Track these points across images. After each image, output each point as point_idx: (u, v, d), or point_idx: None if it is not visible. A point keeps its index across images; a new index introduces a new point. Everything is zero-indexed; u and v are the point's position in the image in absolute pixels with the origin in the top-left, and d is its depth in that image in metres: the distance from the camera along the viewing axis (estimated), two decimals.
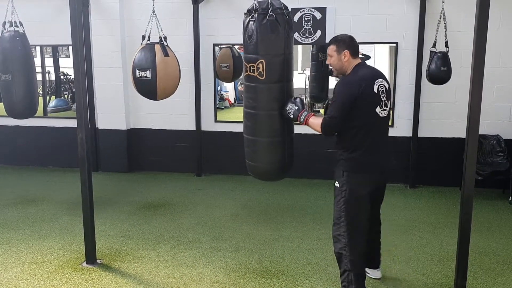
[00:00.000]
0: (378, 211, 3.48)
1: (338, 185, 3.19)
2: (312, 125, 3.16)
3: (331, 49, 3.21)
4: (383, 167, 3.26)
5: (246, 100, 3.33)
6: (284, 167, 3.38)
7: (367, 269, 3.57)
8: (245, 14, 3.21)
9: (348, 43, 3.18)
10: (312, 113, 3.19)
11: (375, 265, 3.64)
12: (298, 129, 3.52)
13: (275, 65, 3.18)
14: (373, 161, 3.16)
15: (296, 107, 3.17)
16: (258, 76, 3.16)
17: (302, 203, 5.65)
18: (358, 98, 3.03)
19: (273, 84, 3.20)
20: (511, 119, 6.02)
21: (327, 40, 6.20)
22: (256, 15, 3.10)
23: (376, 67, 6.98)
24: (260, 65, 3.14)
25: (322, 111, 8.18)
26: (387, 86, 3.17)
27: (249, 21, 3.15)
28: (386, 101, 3.14)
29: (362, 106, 3.05)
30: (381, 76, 3.19)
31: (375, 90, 3.07)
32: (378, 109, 3.09)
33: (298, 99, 3.23)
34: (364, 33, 6.20)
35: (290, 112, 3.18)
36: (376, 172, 3.22)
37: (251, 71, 3.18)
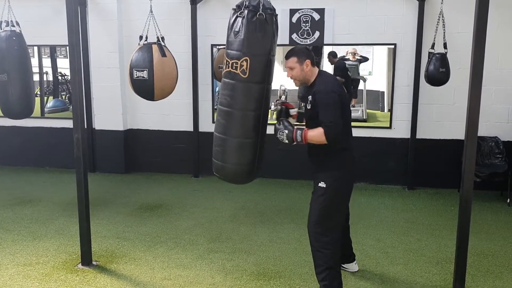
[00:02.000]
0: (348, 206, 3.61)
1: (325, 185, 3.21)
2: (313, 138, 3.11)
3: (292, 62, 3.25)
4: (355, 158, 3.41)
5: (223, 97, 3.28)
6: (252, 170, 3.32)
7: (344, 265, 3.77)
8: (233, 9, 3.19)
9: (307, 53, 3.29)
10: (305, 128, 3.16)
11: (352, 259, 3.81)
12: None
13: (259, 65, 3.14)
14: (354, 158, 3.35)
15: (286, 131, 3.17)
16: (240, 73, 3.12)
17: (300, 205, 5.62)
18: (342, 96, 3.19)
19: (254, 84, 3.17)
20: (509, 121, 6.01)
21: (326, 41, 6.24)
22: (246, 11, 3.08)
23: (374, 68, 7.05)
24: (244, 63, 3.10)
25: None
26: None
27: (237, 16, 3.12)
28: None
29: (345, 107, 3.21)
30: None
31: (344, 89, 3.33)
32: (351, 109, 3.32)
33: (282, 123, 3.23)
34: (362, 35, 6.20)
35: (283, 139, 3.18)
36: (355, 163, 3.37)
37: (234, 67, 3.14)
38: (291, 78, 3.33)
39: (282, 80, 5.63)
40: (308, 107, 3.24)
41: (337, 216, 3.29)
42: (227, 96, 3.24)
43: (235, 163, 3.31)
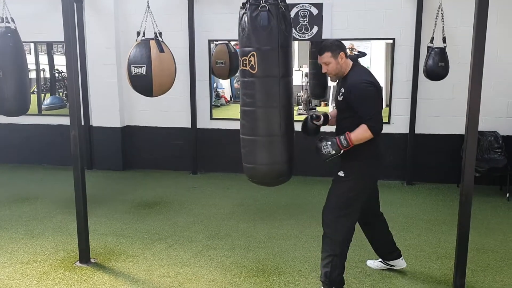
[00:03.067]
0: (378, 198, 3.58)
1: (343, 174, 3.20)
2: (358, 136, 3.04)
3: (327, 57, 3.19)
4: (382, 153, 3.37)
5: (242, 97, 3.24)
6: (284, 169, 3.25)
7: (390, 262, 3.72)
8: (240, 7, 3.16)
9: (339, 45, 3.22)
10: (346, 132, 3.08)
11: (396, 255, 3.71)
12: None
13: (268, 59, 3.08)
14: (380, 152, 3.29)
15: (329, 142, 3.11)
16: (250, 69, 3.08)
17: (299, 201, 5.60)
18: (379, 88, 3.16)
19: (268, 78, 3.10)
20: (508, 115, 5.99)
21: (324, 36, 6.20)
22: (248, 6, 3.05)
23: (373, 63, 7.01)
24: (252, 58, 3.07)
25: (319, 108, 8.16)
26: None
27: (243, 13, 3.10)
28: None
29: (381, 96, 3.19)
30: None
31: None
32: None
33: (321, 139, 3.17)
34: (361, 29, 6.17)
35: (330, 151, 3.10)
36: (380, 157, 3.32)
37: (244, 65, 3.12)
38: (327, 73, 3.26)
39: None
40: (340, 98, 3.20)
41: (352, 207, 3.23)
42: (244, 96, 3.19)
43: (265, 163, 3.22)
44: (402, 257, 3.74)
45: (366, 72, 3.26)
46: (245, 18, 3.07)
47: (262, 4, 3.01)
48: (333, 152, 3.10)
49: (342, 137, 3.07)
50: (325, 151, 3.11)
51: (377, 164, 3.32)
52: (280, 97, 3.15)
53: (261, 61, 3.07)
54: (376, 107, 3.08)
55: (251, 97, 3.15)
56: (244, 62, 3.11)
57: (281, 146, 3.19)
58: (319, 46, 3.30)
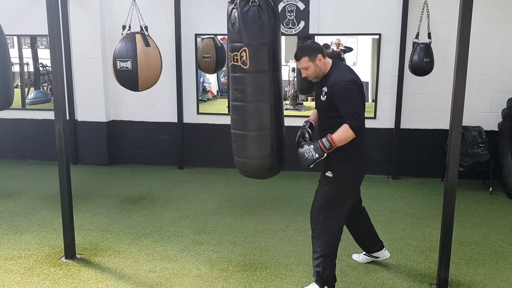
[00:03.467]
0: (360, 193, 3.58)
1: (332, 175, 3.17)
2: (341, 136, 3.01)
3: (305, 62, 3.16)
4: (367, 150, 3.40)
5: (232, 92, 3.24)
6: (274, 163, 3.26)
7: (374, 254, 3.76)
8: (228, 2, 3.15)
9: (315, 48, 3.19)
10: (328, 134, 3.06)
11: (380, 246, 3.75)
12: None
13: (259, 54, 3.11)
14: (365, 150, 3.32)
15: (312, 146, 3.08)
16: (241, 65, 3.10)
17: (286, 195, 5.62)
18: (360, 85, 3.13)
19: (259, 73, 3.13)
20: (492, 110, 6.07)
21: (311, 31, 6.21)
22: (239, 1, 3.04)
23: (359, 58, 7.04)
24: (244, 54, 3.08)
25: (306, 103, 8.16)
26: None
27: (232, 8, 3.09)
28: None
29: (363, 96, 3.15)
30: None
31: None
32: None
33: (304, 143, 3.15)
34: (347, 25, 6.19)
35: (313, 155, 3.06)
36: (366, 154, 3.36)
37: (235, 60, 3.12)
38: (307, 77, 3.25)
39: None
40: (323, 98, 3.16)
41: (341, 207, 3.23)
42: (235, 91, 3.21)
43: (256, 157, 3.25)
44: (385, 248, 3.78)
45: (348, 69, 3.25)
46: (235, 13, 3.07)
47: (253, 0, 3.02)
48: (317, 156, 3.06)
49: (324, 140, 3.04)
50: (309, 156, 3.08)
51: (364, 162, 3.34)
52: (272, 91, 3.18)
53: (253, 56, 3.09)
54: (357, 106, 3.04)
55: (242, 92, 3.17)
56: (235, 57, 3.11)
57: (272, 140, 3.22)
58: (296, 51, 3.26)
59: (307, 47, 3.22)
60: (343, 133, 3.00)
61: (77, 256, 3.95)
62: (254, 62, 3.10)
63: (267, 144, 3.22)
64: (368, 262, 3.82)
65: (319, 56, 3.15)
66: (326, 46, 6.64)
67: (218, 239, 4.33)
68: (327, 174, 3.21)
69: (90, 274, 3.66)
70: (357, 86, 3.09)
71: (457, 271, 3.71)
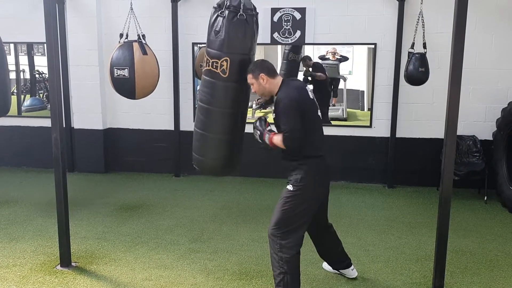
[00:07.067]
0: (327, 211, 3.51)
1: (292, 188, 3.16)
2: (277, 142, 3.12)
3: (249, 78, 3.21)
4: (329, 166, 3.33)
5: (203, 94, 3.34)
6: (229, 164, 3.48)
7: (341, 271, 3.69)
8: (214, 7, 3.19)
9: (259, 66, 3.18)
10: (273, 132, 3.17)
11: (347, 264, 3.68)
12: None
13: (239, 65, 3.20)
14: (325, 162, 3.27)
15: (258, 131, 3.24)
16: (220, 73, 3.18)
17: None
18: (301, 103, 3.09)
19: (234, 83, 3.22)
20: (486, 120, 6.11)
21: (307, 40, 6.25)
22: (227, 12, 3.09)
23: (354, 68, 7.09)
24: (225, 63, 3.14)
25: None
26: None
27: (218, 16, 3.14)
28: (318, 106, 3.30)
29: (307, 111, 3.12)
30: (307, 85, 3.37)
31: (311, 96, 3.21)
32: (318, 112, 3.25)
33: (258, 122, 3.28)
34: (343, 34, 6.24)
35: (257, 139, 3.27)
36: (328, 171, 3.31)
37: (214, 67, 3.19)
38: (256, 93, 3.29)
39: None
40: (273, 116, 3.19)
41: (299, 222, 3.16)
42: (207, 94, 3.30)
43: (212, 158, 3.47)
44: (352, 267, 3.69)
45: (294, 88, 3.17)
46: (221, 22, 3.12)
47: (241, 13, 3.07)
48: (257, 136, 3.26)
49: (267, 135, 3.18)
50: (255, 135, 3.28)
51: (325, 179, 3.29)
52: (242, 102, 3.33)
53: (234, 67, 3.17)
54: (293, 125, 3.01)
55: (212, 96, 3.28)
56: (214, 64, 3.17)
57: (230, 145, 3.41)
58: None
59: (254, 64, 3.23)
60: (278, 142, 3.12)
61: (73, 264, 3.93)
62: (233, 73, 3.19)
63: (225, 148, 3.41)
64: (364, 272, 3.82)
65: (261, 75, 3.14)
66: (309, 58, 6.59)
67: (214, 248, 4.33)
68: (288, 187, 3.20)
69: (86, 282, 3.65)
70: (297, 104, 3.06)
71: (452, 280, 3.72)
